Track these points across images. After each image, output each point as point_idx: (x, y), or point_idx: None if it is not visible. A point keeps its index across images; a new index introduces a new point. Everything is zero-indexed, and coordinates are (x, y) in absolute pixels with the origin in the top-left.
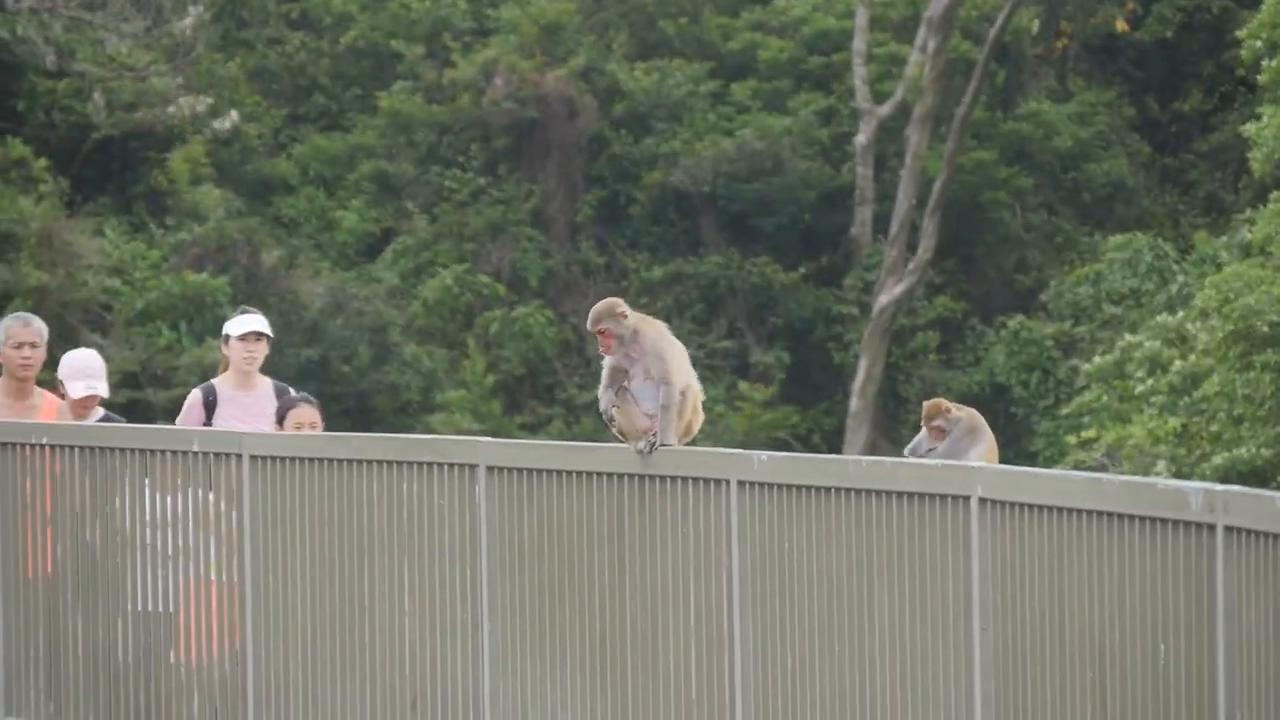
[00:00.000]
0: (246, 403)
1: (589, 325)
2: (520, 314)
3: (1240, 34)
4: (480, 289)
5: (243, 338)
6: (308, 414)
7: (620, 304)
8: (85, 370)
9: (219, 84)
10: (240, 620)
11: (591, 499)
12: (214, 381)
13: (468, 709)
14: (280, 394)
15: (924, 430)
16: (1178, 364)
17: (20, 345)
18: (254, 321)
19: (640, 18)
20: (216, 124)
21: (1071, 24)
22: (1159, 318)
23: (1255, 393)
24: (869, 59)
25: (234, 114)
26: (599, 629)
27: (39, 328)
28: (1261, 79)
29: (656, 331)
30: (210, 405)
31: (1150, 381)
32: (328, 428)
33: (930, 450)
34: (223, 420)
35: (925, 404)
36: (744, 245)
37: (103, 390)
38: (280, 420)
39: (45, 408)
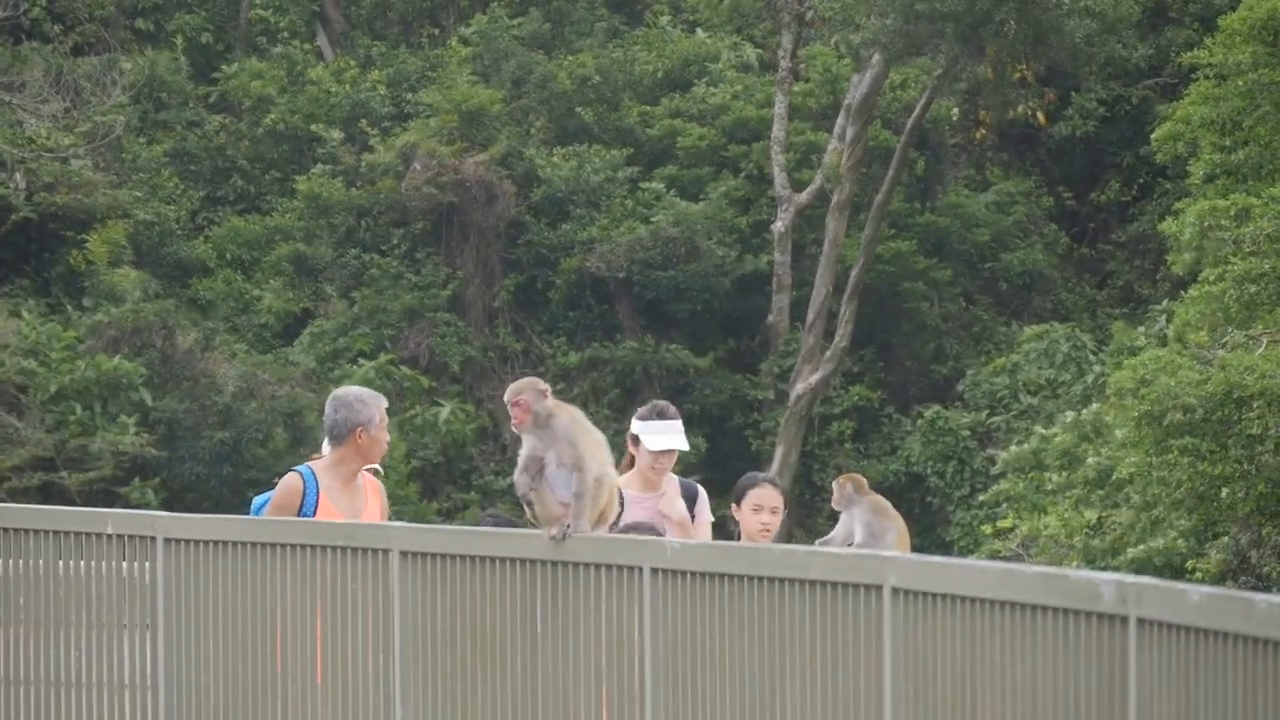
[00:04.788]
0: (650, 504)
1: (507, 396)
2: (438, 412)
3: (1154, 135)
4: (402, 380)
5: (656, 453)
6: (770, 496)
7: (543, 383)
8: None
9: (138, 167)
10: (153, 703)
11: (505, 585)
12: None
13: None
14: (688, 493)
15: (838, 524)
16: (1092, 459)
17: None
18: (673, 438)
19: (559, 104)
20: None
21: (989, 114)
22: (1071, 414)
23: (1170, 476)
24: (788, 146)
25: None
26: (512, 715)
27: None
28: (1190, 181)
29: (570, 418)
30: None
31: (1066, 475)
32: (239, 512)
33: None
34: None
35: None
36: (660, 331)
37: None
38: (738, 500)
39: (370, 488)
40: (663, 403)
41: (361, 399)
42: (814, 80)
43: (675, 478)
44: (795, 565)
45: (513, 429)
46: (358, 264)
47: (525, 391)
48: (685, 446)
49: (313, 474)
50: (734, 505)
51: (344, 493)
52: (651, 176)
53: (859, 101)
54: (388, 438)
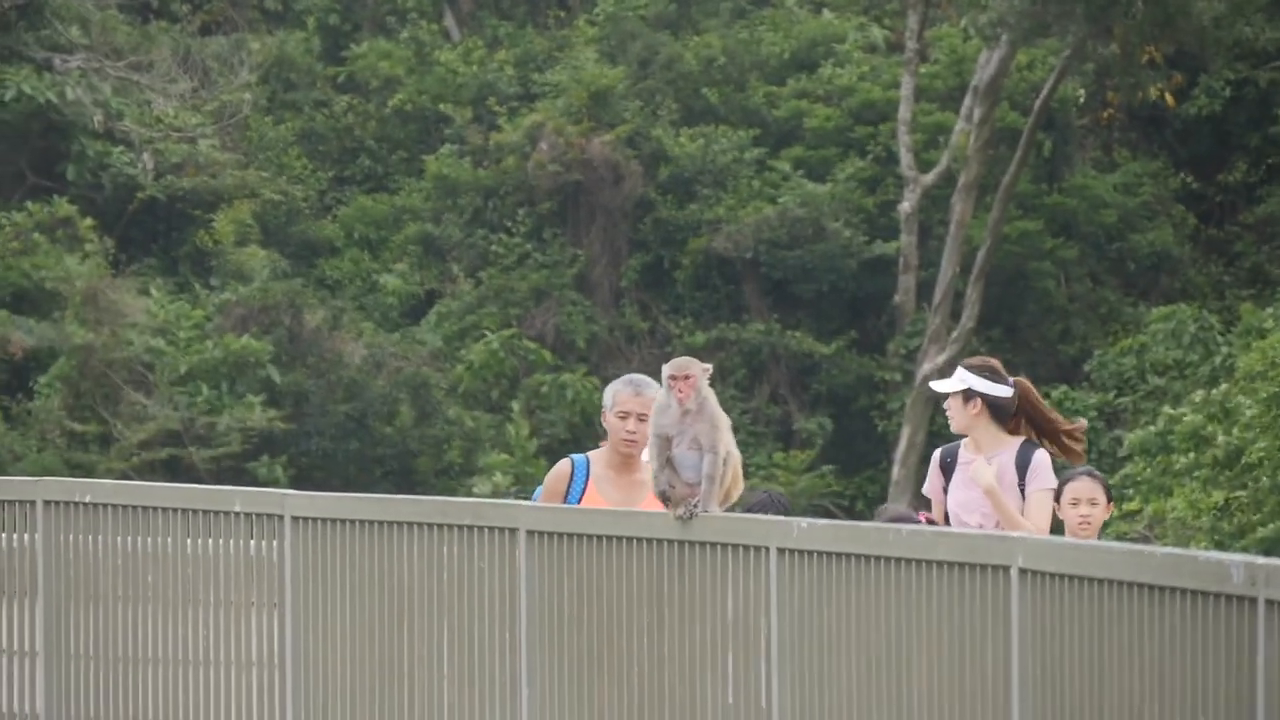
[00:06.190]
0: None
1: (675, 370)
2: (567, 379)
3: None
4: (527, 354)
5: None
6: (1084, 488)
7: (706, 364)
8: None
9: (264, 146)
10: (281, 680)
11: (631, 564)
12: (958, 445)
13: None
14: (1023, 458)
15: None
16: (1221, 439)
17: (626, 416)
18: (949, 382)
19: (686, 84)
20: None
21: (1117, 95)
22: (1201, 393)
23: None
24: (914, 128)
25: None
26: (637, 694)
27: (653, 396)
28: None
29: (715, 400)
30: (948, 468)
31: (1193, 456)
32: (367, 489)
33: None
34: (956, 487)
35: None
36: (786, 312)
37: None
38: (1058, 496)
39: None
40: (994, 366)
41: (612, 383)
42: (941, 61)
43: (1015, 440)
44: (922, 546)
45: (679, 401)
46: (484, 243)
47: (696, 368)
48: (951, 388)
49: (586, 461)
50: (1055, 502)
51: (617, 482)
52: (778, 157)
53: (986, 82)
54: (625, 425)
